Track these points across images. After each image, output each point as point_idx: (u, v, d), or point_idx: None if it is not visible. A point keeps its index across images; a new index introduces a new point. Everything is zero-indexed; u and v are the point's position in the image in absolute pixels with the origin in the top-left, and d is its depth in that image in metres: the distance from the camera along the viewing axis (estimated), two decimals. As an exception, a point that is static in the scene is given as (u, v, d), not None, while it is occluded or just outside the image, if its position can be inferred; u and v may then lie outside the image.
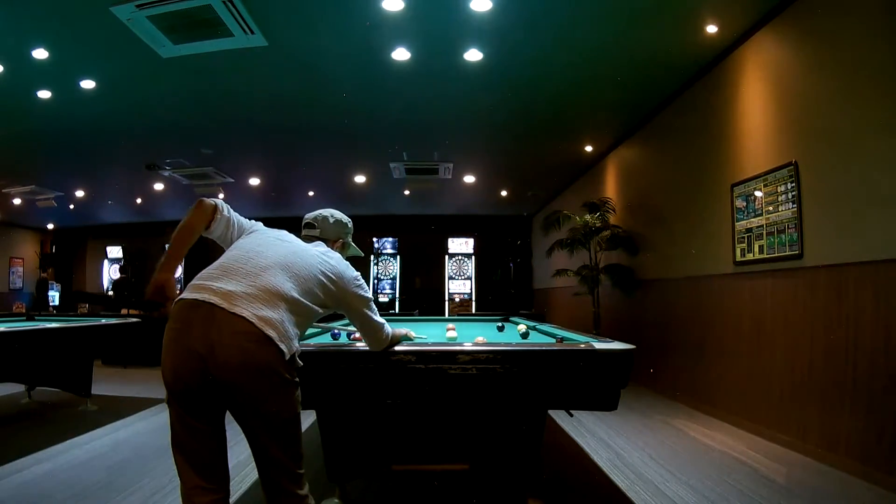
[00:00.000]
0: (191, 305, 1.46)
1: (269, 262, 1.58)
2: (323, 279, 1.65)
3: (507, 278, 11.51)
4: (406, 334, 2.10)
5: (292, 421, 1.51)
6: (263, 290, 1.50)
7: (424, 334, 2.90)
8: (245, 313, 1.43)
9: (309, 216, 1.96)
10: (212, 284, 1.49)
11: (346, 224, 1.98)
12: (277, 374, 1.45)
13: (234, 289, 1.47)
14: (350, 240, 2.01)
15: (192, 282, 1.54)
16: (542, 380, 1.89)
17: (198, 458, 1.47)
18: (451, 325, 3.17)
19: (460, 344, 2.03)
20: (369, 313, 1.78)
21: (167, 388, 1.47)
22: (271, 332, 1.44)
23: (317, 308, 1.64)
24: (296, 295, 1.55)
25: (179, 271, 12.08)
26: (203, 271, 1.57)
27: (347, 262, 1.80)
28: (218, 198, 1.75)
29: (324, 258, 1.71)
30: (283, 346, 1.45)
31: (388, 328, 1.85)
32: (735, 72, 4.15)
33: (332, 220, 1.94)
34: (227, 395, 1.44)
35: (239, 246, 1.67)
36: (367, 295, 1.78)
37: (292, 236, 1.80)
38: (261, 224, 1.83)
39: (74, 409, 4.53)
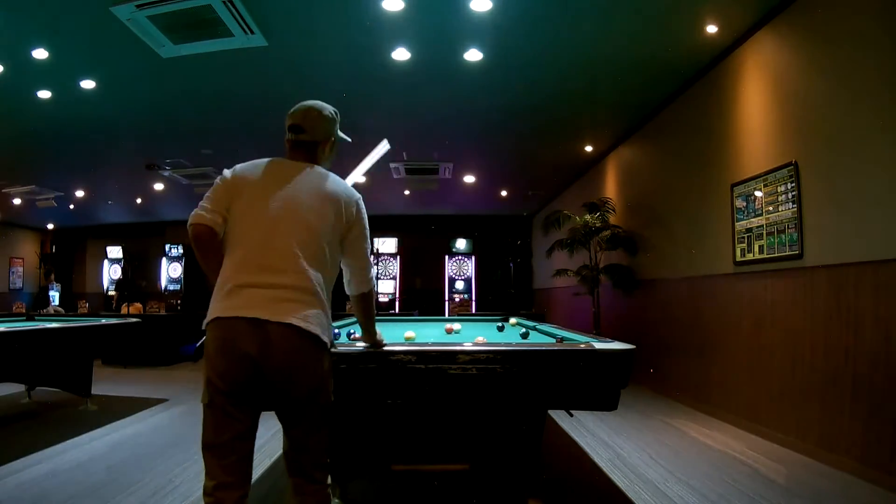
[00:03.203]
0: (233, 321, 1.47)
1: (290, 260, 1.53)
2: (336, 234, 1.63)
3: (507, 278, 11.51)
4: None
5: (329, 409, 1.59)
6: (299, 289, 1.52)
7: (422, 333, 2.91)
8: (290, 319, 1.47)
9: (295, 116, 1.72)
10: (246, 291, 1.49)
11: (334, 117, 1.78)
12: (322, 366, 1.55)
13: (270, 294, 1.48)
14: (338, 130, 1.82)
15: (222, 288, 1.52)
16: (542, 380, 1.88)
17: (229, 453, 1.47)
18: (448, 325, 3.17)
19: (460, 344, 2.03)
20: (365, 244, 1.72)
21: (214, 388, 1.47)
22: (316, 329, 1.50)
23: (335, 273, 1.68)
24: (322, 277, 1.59)
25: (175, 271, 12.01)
26: (229, 272, 1.54)
27: (345, 184, 1.71)
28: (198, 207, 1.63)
29: (328, 204, 1.62)
30: (325, 338, 1.54)
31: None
32: (735, 72, 4.15)
33: (321, 118, 1.73)
34: (278, 391, 1.50)
35: (248, 240, 1.57)
36: (367, 224, 1.73)
37: (282, 197, 1.60)
38: (236, 188, 1.64)
39: (74, 409, 4.53)
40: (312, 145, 1.74)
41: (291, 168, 1.68)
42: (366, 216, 1.73)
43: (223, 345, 1.47)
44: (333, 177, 1.72)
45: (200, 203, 1.62)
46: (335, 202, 1.64)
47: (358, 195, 1.72)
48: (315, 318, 1.51)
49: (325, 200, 1.63)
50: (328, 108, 1.76)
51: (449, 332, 3.03)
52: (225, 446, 1.47)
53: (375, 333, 1.86)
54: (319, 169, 1.72)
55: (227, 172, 1.68)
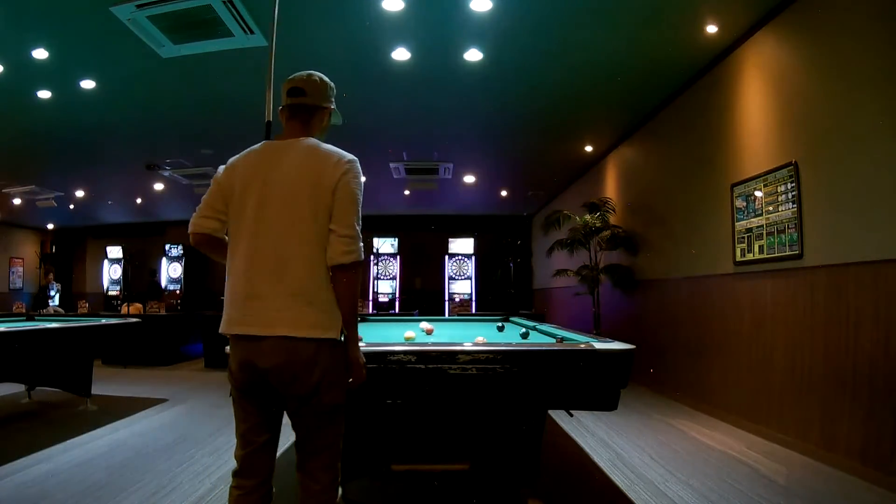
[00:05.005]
0: (234, 336, 1.56)
1: (280, 267, 1.51)
2: (328, 208, 1.53)
3: (507, 278, 11.50)
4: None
5: (338, 410, 1.57)
6: (290, 297, 1.50)
7: (423, 333, 2.90)
8: (280, 331, 1.48)
9: (295, 80, 1.68)
10: (242, 307, 1.53)
11: (334, 89, 1.76)
12: (322, 364, 1.51)
13: (261, 309, 1.51)
14: (334, 104, 1.77)
15: (226, 295, 1.59)
16: (543, 380, 1.88)
17: (246, 444, 1.56)
18: (427, 325, 3.18)
19: (460, 344, 2.03)
20: (349, 209, 1.54)
21: (231, 385, 1.59)
22: (308, 333, 1.49)
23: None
24: (320, 265, 1.52)
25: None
26: (228, 280, 1.59)
27: (334, 150, 1.60)
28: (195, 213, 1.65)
29: (314, 178, 1.53)
30: (325, 335, 1.50)
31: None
32: (735, 72, 4.15)
33: (322, 83, 1.70)
34: (281, 392, 1.53)
35: (241, 243, 1.56)
36: (355, 188, 1.56)
37: (268, 186, 1.55)
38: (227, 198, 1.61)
39: (74, 409, 4.52)
40: (311, 110, 1.67)
41: (280, 148, 1.61)
42: (356, 180, 1.57)
43: (232, 353, 1.58)
44: (322, 146, 1.61)
45: (197, 208, 1.64)
46: (321, 173, 1.54)
47: (350, 157, 1.59)
48: (311, 320, 1.49)
49: (311, 176, 1.54)
50: (327, 78, 1.74)
51: (428, 332, 3.04)
52: (242, 437, 1.57)
53: (357, 336, 1.59)
54: (308, 140, 1.61)
55: (220, 169, 1.66)
